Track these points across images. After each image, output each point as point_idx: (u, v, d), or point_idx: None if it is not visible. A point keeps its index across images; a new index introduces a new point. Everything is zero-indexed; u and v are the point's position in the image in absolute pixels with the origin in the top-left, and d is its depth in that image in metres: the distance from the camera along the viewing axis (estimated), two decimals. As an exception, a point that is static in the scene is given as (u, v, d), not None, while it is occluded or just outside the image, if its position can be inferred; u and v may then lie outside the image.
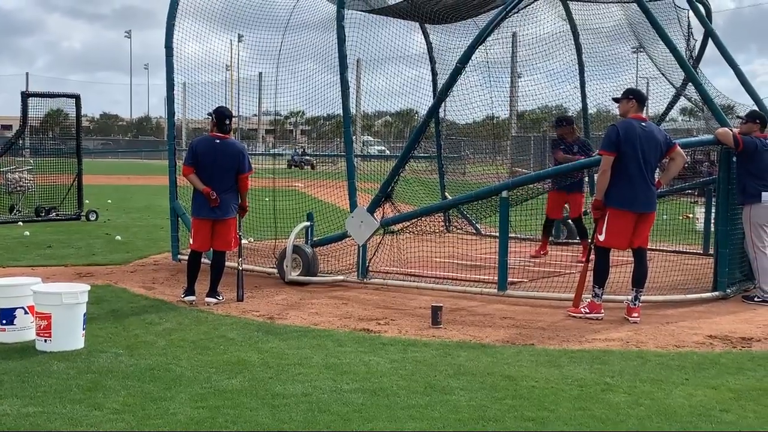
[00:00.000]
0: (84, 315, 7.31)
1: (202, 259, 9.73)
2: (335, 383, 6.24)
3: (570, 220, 13.59)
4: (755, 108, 11.04)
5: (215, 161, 9.31)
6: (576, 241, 13.56)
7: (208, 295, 9.41)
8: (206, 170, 9.31)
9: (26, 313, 7.48)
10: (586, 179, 13.85)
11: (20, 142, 20.31)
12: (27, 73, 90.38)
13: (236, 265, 9.82)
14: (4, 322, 7.43)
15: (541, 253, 13.10)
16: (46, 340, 7.14)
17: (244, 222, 10.11)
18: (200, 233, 9.46)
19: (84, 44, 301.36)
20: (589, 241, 9.58)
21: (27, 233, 15.88)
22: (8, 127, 78.53)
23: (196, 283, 9.50)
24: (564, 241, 14.45)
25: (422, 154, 15.15)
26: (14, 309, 7.44)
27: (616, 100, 9.08)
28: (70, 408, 5.59)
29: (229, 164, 9.34)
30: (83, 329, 7.30)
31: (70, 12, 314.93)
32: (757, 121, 10.02)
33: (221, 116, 9.44)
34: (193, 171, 9.36)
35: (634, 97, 8.88)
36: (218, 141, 9.38)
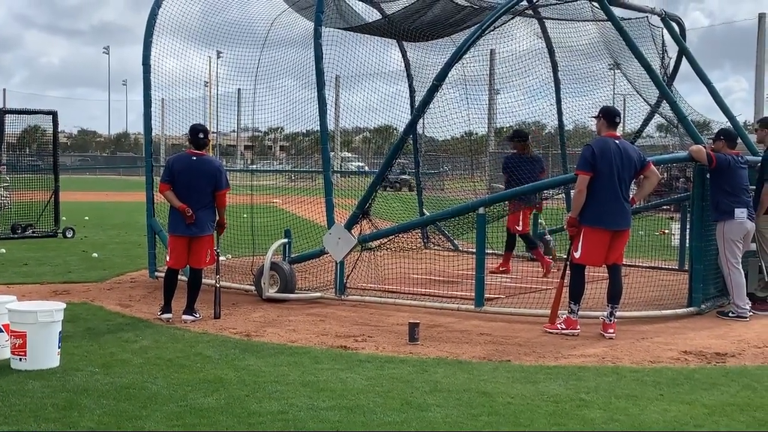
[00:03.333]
0: (59, 333, 7.27)
1: (179, 277, 9.71)
2: (312, 401, 6.23)
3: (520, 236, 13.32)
4: (729, 125, 11.17)
5: (191, 178, 9.32)
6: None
7: (184, 313, 9.39)
8: (182, 187, 9.32)
9: (1, 331, 7.42)
10: (563, 196, 13.93)
11: (-4, 158, 20.19)
12: (4, 89, 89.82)
13: (213, 282, 9.81)
14: (-22, 340, 7.37)
15: (500, 269, 12.90)
16: (21, 359, 7.09)
17: (222, 239, 10.10)
18: (176, 250, 9.46)
19: (62, 60, 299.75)
20: (566, 257, 9.62)
21: (3, 251, 15.74)
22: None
23: (173, 300, 9.47)
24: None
25: (402, 175, 15.17)
26: (-11, 327, 7.39)
27: (596, 117, 9.20)
28: (45, 427, 5.55)
29: (205, 181, 9.35)
30: (59, 347, 7.25)
31: (48, 28, 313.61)
32: (722, 137, 10.12)
33: (192, 131, 9.52)
34: (169, 188, 9.37)
35: (602, 115, 9.04)
36: (195, 158, 9.40)
